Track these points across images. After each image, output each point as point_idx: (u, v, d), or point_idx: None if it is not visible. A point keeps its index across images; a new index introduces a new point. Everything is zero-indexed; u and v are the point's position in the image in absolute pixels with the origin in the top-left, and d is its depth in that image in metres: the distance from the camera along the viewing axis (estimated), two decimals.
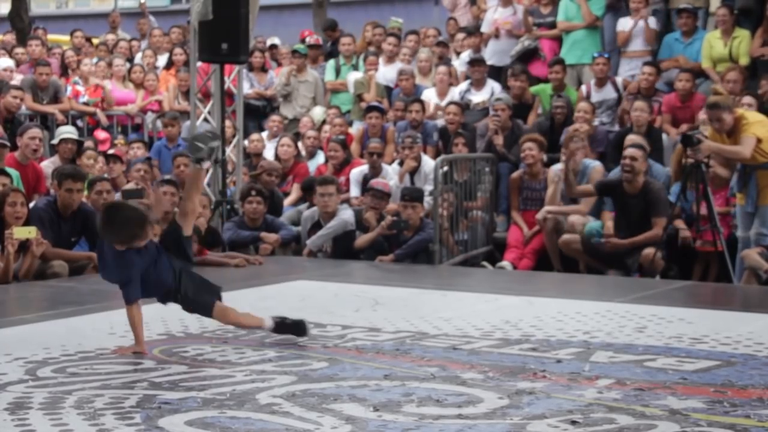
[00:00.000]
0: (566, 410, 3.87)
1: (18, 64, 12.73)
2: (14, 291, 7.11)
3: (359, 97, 12.13)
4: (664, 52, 10.95)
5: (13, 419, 3.72)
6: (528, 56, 11.56)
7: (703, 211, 8.07)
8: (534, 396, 4.09)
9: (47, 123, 11.65)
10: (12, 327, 5.60)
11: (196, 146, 5.05)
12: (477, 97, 11.28)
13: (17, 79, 11.97)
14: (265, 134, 11.73)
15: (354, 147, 11.09)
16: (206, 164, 5.22)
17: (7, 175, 8.21)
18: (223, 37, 9.28)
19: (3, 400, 3.97)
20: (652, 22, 11.00)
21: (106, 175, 9.37)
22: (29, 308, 6.44)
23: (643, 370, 4.56)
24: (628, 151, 8.43)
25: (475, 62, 11.41)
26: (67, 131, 9.90)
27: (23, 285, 7.28)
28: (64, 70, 12.74)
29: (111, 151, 10.67)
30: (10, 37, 15.24)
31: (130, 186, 9.32)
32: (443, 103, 11.11)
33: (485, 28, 12.07)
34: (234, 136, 10.21)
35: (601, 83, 10.66)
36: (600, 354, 4.91)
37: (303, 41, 13.75)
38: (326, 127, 11.67)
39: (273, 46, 13.10)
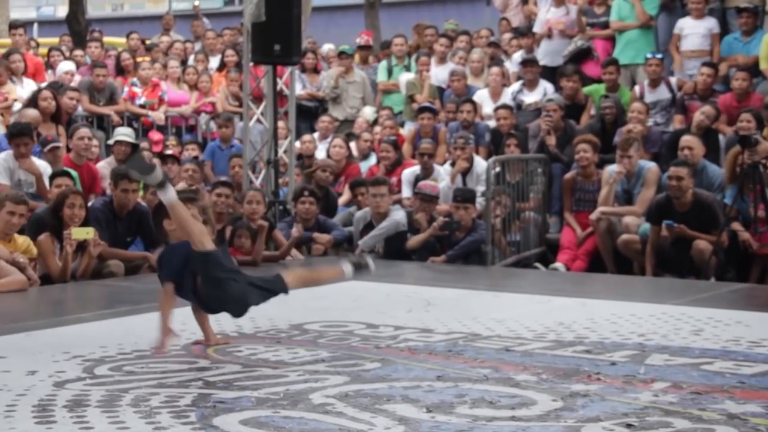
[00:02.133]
0: (621, 413, 3.84)
1: (77, 66, 12.92)
2: (72, 290, 7.23)
3: (411, 98, 12.13)
4: (724, 53, 10.78)
5: (71, 416, 3.77)
6: (581, 56, 11.46)
7: (761, 212, 7.95)
8: (588, 398, 4.06)
9: (103, 124, 11.80)
10: (70, 325, 5.70)
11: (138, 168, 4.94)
12: (529, 98, 11.22)
13: (76, 81, 12.15)
14: (316, 135, 11.78)
15: (405, 148, 11.09)
16: (166, 192, 4.80)
17: (69, 176, 8.33)
18: (276, 38, 9.33)
19: (62, 398, 4.03)
20: (714, 25, 10.82)
21: None
22: (87, 307, 6.54)
23: (700, 374, 4.50)
24: (672, 171, 8.32)
25: (528, 63, 11.35)
26: (123, 133, 10.01)
27: (81, 284, 7.39)
28: (119, 71, 12.89)
29: (168, 152, 10.77)
30: (66, 40, 15.48)
31: (183, 186, 9.42)
32: (496, 105, 11.07)
33: (537, 29, 11.99)
34: (287, 137, 10.27)
35: (654, 84, 10.54)
36: (655, 357, 4.86)
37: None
38: (377, 128, 11.69)
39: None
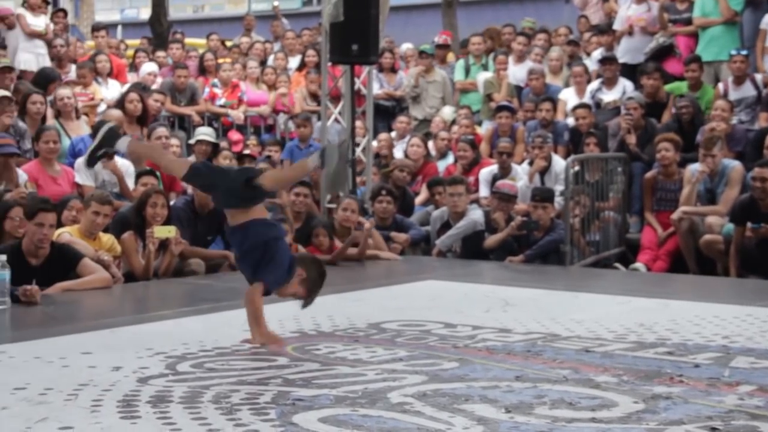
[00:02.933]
0: (705, 416, 3.76)
1: (159, 67, 13.15)
2: (154, 288, 7.35)
3: (489, 97, 12.09)
4: None
5: (155, 412, 3.83)
6: (663, 54, 11.29)
7: None
8: (671, 401, 3.99)
9: (184, 124, 11.99)
10: (152, 322, 5.79)
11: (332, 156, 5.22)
12: (608, 96, 11.09)
13: (158, 82, 12.37)
14: (393, 135, 11.82)
15: (483, 147, 11.06)
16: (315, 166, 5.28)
17: (154, 175, 8.49)
18: (354, 38, 9.37)
19: (146, 393, 4.10)
20: None
21: None
22: (168, 304, 6.65)
23: None
24: (756, 172, 8.13)
25: (607, 60, 11.22)
26: (204, 133, 10.16)
27: (162, 282, 7.51)
28: (202, 71, 13.09)
29: (246, 152, 10.90)
30: (146, 42, 15.77)
31: None
32: (574, 104, 10.96)
33: (618, 26, 11.85)
34: (364, 136, 10.31)
35: (739, 81, 10.31)
36: (740, 359, 4.76)
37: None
38: (455, 128, 11.68)
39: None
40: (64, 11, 14.22)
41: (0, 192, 7.65)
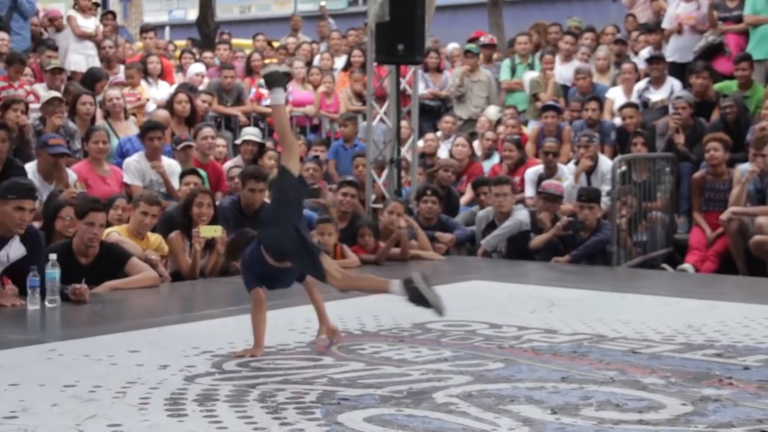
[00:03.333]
0: (755, 419, 3.72)
1: (206, 68, 13.26)
2: (201, 287, 7.41)
3: (535, 97, 12.03)
4: None
5: (201, 410, 3.86)
6: (712, 52, 11.15)
7: None
8: (720, 403, 3.95)
9: (231, 125, 12.07)
10: (199, 321, 5.84)
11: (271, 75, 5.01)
12: (656, 96, 10.98)
13: (205, 83, 12.46)
14: (438, 134, 11.80)
15: (529, 147, 11.00)
16: (282, 97, 5.02)
17: (198, 175, 8.56)
18: (399, 38, 9.38)
19: (192, 392, 4.13)
20: None
21: None
22: (215, 304, 6.70)
23: None
24: None
25: (655, 59, 11.11)
26: (250, 133, 10.22)
27: (209, 281, 7.57)
28: (249, 72, 13.17)
29: None
30: (189, 44, 15.91)
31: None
32: (621, 104, 10.86)
33: (667, 24, 11.73)
34: (409, 136, 10.31)
35: None
36: None
37: (474, 41, 13.74)
38: (501, 127, 11.64)
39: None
40: (113, 13, 14.39)
41: (52, 192, 7.76)
